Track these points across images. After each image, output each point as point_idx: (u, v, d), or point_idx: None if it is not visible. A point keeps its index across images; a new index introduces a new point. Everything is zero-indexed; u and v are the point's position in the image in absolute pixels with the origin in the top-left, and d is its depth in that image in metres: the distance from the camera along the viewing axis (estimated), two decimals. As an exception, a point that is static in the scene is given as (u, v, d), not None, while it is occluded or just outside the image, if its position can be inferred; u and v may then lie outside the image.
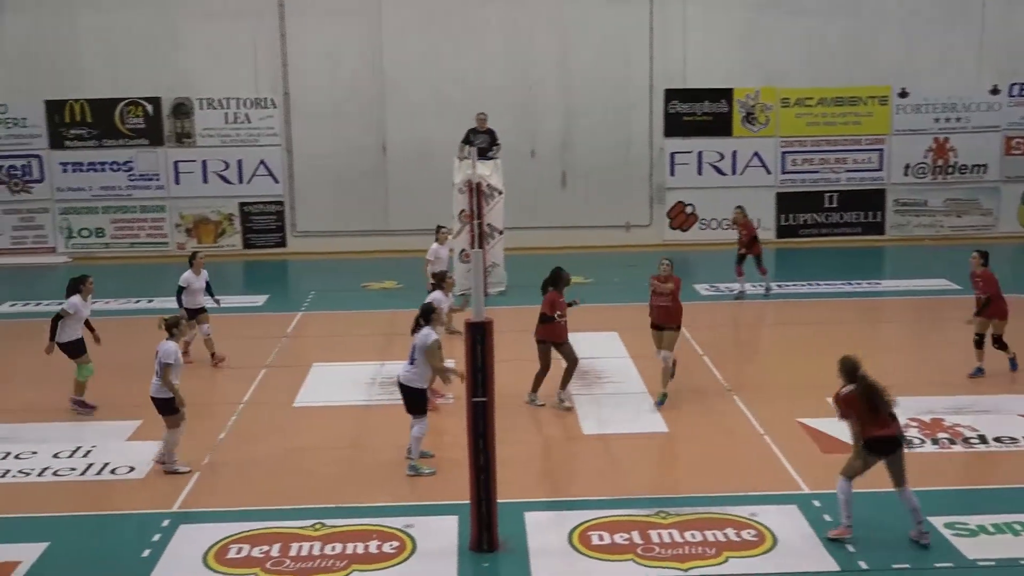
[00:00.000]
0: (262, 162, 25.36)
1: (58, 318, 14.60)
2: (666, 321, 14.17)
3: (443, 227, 18.67)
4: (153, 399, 12.28)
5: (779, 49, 25.45)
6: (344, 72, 25.03)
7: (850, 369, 10.48)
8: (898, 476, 10.31)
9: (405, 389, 12.09)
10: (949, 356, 16.19)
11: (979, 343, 15.22)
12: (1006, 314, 15.19)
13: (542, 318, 14.02)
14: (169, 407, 12.18)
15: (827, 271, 22.64)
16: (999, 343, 15.27)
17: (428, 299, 13.84)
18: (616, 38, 25.24)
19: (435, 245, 17.97)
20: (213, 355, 16.52)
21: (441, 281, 15.14)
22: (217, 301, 17.03)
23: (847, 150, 26.02)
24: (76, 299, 14.70)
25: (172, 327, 12.52)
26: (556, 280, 14.09)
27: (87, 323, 14.91)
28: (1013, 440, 12.85)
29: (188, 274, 16.57)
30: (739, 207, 20.93)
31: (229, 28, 24.81)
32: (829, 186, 26.07)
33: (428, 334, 12.01)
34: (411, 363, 12.06)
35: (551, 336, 14.00)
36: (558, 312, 13.91)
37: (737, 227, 20.68)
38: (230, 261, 25.08)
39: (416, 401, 12.07)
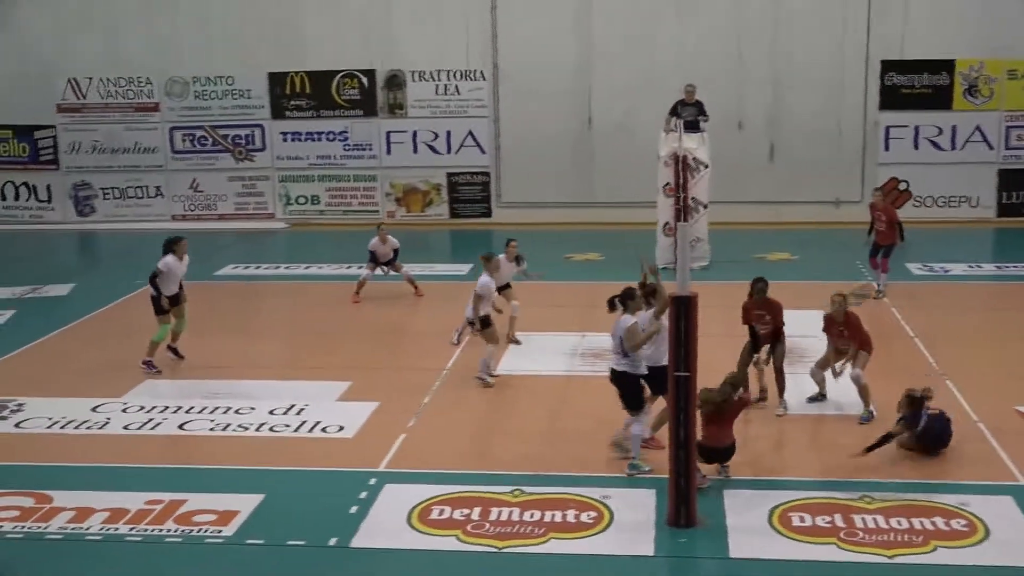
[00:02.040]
0: (470, 133, 25.78)
1: (154, 276, 15.09)
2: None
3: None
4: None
5: (1007, 18, 24.10)
6: (552, 44, 25.08)
7: None
8: None
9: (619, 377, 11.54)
10: None
11: None
12: None
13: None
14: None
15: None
16: None
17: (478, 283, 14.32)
18: (832, 7, 24.44)
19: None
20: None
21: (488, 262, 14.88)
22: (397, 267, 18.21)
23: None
24: (170, 258, 15.18)
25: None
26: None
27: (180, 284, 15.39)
28: None
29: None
30: (877, 190, 19.84)
31: (441, 1, 25.25)
32: (1054, 163, 24.63)
33: (626, 319, 11.45)
34: (623, 354, 11.48)
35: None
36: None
37: (875, 212, 18.53)
38: (437, 230, 25.66)
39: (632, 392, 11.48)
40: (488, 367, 14.52)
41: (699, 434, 10.64)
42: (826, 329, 13.25)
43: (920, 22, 24.30)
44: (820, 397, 13.51)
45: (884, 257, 18.25)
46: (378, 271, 18.74)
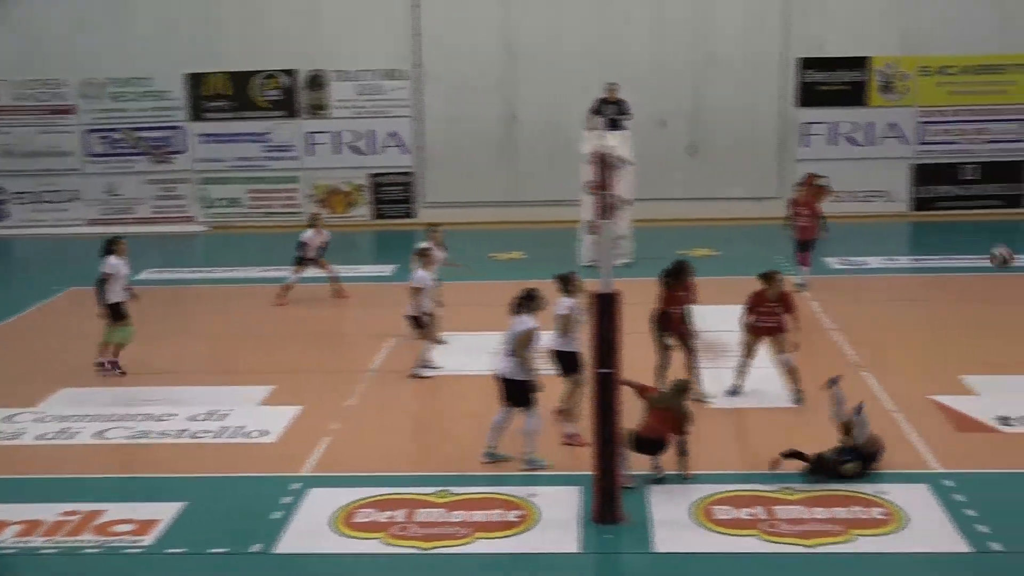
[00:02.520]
0: (393, 133, 25.66)
1: (101, 282, 14.84)
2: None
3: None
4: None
5: (920, 16, 24.61)
6: (475, 43, 25.09)
7: None
8: None
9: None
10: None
11: None
12: None
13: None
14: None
15: (965, 245, 21.89)
16: None
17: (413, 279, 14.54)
18: (752, 5, 24.76)
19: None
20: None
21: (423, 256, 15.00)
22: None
23: (989, 120, 25.07)
24: (114, 259, 14.92)
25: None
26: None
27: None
28: None
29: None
30: (798, 185, 19.90)
31: (363, 0, 25.12)
32: (969, 157, 25.16)
33: (527, 321, 11.43)
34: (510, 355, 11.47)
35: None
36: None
37: (796, 207, 18.72)
38: (360, 231, 25.51)
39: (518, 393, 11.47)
40: (426, 360, 14.51)
41: (635, 424, 10.84)
42: (753, 307, 13.37)
43: (837, 20, 24.72)
44: (737, 389, 13.67)
45: (805, 251, 18.48)
46: (306, 272, 18.50)
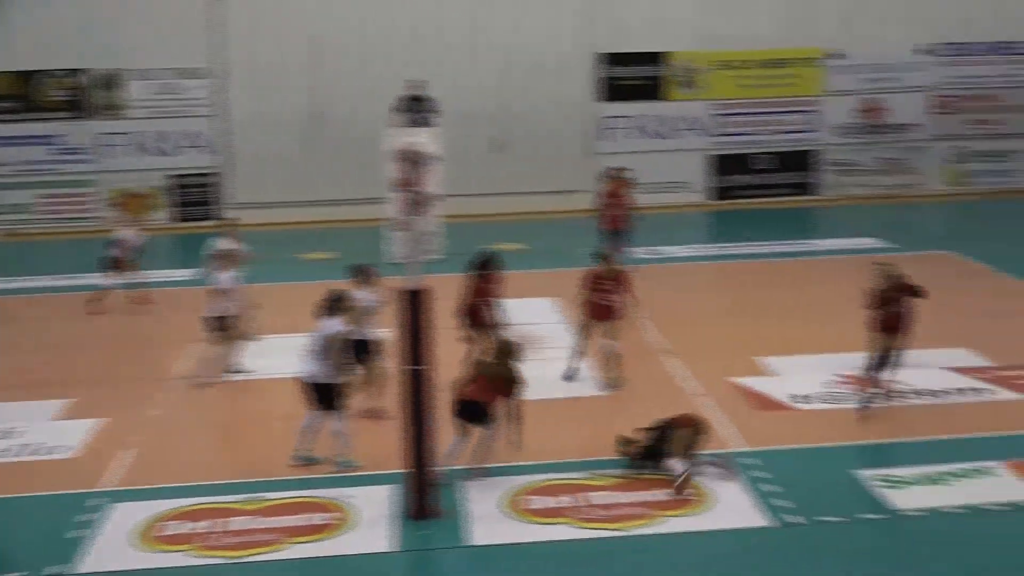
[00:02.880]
0: (193, 133, 24.96)
1: None
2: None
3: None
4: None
5: (714, 12, 25.49)
6: (279, 37, 24.66)
7: None
8: None
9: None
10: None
11: None
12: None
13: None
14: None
15: (760, 232, 22.82)
16: None
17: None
18: (552, 2, 25.11)
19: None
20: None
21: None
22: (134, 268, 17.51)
23: (780, 112, 26.17)
24: None
25: None
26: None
27: None
28: (938, 393, 13.07)
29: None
30: (606, 177, 19.73)
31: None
32: (762, 148, 26.23)
33: (337, 325, 11.36)
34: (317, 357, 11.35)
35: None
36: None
37: (603, 199, 18.95)
38: (161, 235, 24.69)
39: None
40: (232, 365, 14.27)
41: (461, 392, 10.93)
42: (588, 285, 13.64)
43: (635, 18, 25.34)
44: (574, 372, 13.93)
45: (615, 242, 18.71)
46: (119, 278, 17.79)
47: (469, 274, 13.73)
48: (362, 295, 12.50)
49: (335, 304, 11.52)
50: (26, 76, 24.44)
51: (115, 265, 17.76)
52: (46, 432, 12.73)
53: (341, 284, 12.35)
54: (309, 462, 11.52)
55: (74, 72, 24.53)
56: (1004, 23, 26.13)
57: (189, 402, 13.81)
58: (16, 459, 12.07)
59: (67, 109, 24.63)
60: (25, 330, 17.36)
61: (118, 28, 24.36)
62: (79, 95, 24.59)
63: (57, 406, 13.53)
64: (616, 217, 18.85)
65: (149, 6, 24.37)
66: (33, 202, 24.80)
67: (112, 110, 24.74)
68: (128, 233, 17.99)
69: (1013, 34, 26.22)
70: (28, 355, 16.04)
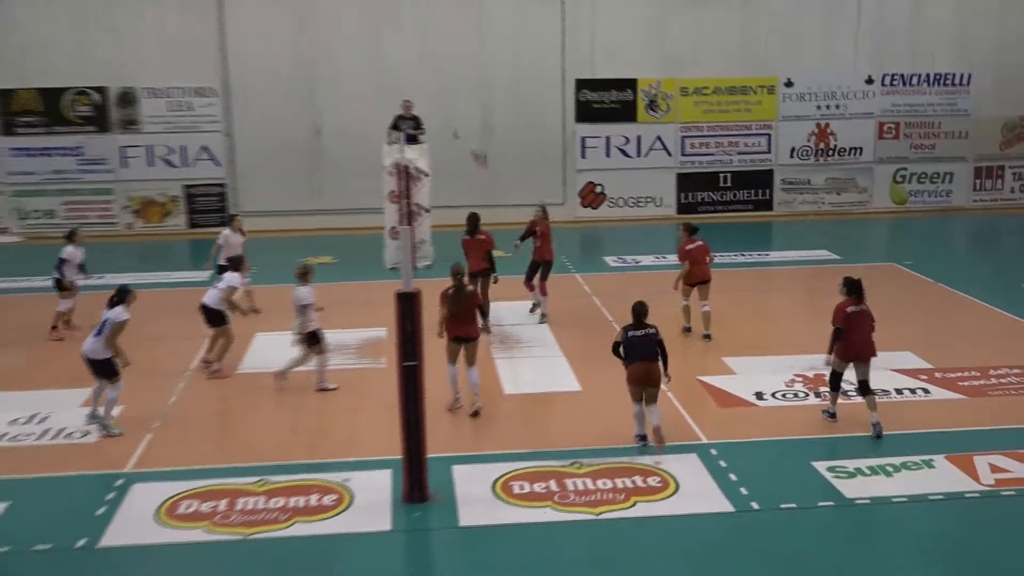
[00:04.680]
0: (204, 147, 24.91)
1: None
2: None
3: (236, 215, 18.47)
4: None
5: (678, 43, 25.65)
6: (279, 61, 24.64)
7: None
8: None
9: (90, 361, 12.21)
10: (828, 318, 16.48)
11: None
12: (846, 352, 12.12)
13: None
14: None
15: (723, 244, 22.88)
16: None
17: (224, 282, 14.42)
18: (531, 32, 25.19)
19: (227, 231, 17.34)
20: (68, 325, 16.37)
21: (238, 265, 14.98)
22: (87, 276, 16.86)
23: (739, 134, 26.32)
24: None
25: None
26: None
27: None
28: (884, 392, 13.17)
29: (71, 248, 16.32)
30: (542, 207, 17.58)
31: (171, 19, 24.24)
32: (723, 167, 26.38)
33: (120, 312, 12.21)
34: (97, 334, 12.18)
35: None
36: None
37: (536, 227, 16.88)
38: (176, 240, 24.64)
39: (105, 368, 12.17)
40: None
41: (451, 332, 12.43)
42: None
43: (605, 46, 25.44)
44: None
45: (543, 279, 16.84)
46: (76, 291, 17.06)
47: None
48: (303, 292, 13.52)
49: (123, 295, 12.44)
50: (54, 93, 24.29)
51: (60, 287, 16.43)
52: (71, 418, 12.69)
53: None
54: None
55: (97, 90, 24.40)
56: (941, 57, 26.36)
57: (201, 392, 13.78)
58: (49, 442, 12.06)
59: (90, 123, 24.50)
60: (47, 324, 17.24)
61: (136, 51, 24.25)
62: (99, 111, 24.47)
63: (83, 395, 13.47)
64: (544, 248, 17.08)
65: (164, 31, 24.24)
66: (59, 208, 24.68)
67: (130, 125, 24.64)
68: (71, 250, 16.49)
69: (947, 67, 26.43)
70: (51, 349, 15.96)
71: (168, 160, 24.83)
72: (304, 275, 13.62)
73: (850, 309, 11.95)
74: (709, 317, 15.60)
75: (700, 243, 15.76)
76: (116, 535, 9.74)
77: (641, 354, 11.34)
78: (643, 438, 11.54)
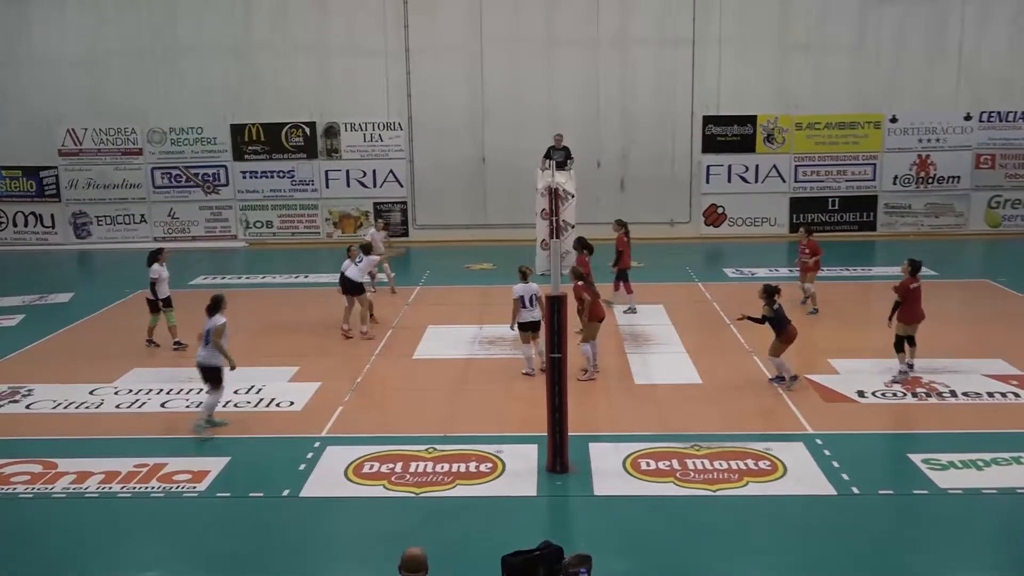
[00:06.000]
0: (391, 171, 25.57)
1: (152, 284, 14.94)
2: None
3: (380, 219, 19.33)
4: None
5: (794, 84, 24.83)
6: (454, 100, 24.99)
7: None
8: None
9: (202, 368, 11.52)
10: (926, 327, 15.67)
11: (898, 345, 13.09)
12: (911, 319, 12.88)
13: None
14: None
15: (829, 259, 22.02)
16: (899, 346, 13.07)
17: (363, 262, 15.63)
18: (664, 74, 24.85)
19: (372, 230, 18.75)
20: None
21: (369, 250, 16.24)
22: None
23: (847, 164, 25.29)
24: (156, 266, 14.91)
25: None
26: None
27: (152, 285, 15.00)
28: (977, 395, 12.46)
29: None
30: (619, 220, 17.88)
31: (367, 66, 24.91)
32: (832, 192, 25.41)
33: (217, 319, 11.51)
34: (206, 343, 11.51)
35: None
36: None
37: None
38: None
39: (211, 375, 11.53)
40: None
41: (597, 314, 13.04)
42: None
43: (729, 86, 24.87)
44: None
45: (626, 280, 17.32)
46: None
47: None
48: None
49: (218, 304, 11.69)
50: (274, 127, 25.34)
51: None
52: (283, 391, 13.19)
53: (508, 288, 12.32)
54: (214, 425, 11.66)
55: (307, 124, 25.35)
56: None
57: (383, 373, 14.10)
58: (263, 409, 12.54)
59: (301, 151, 25.47)
60: (265, 315, 17.94)
61: (339, 93, 25.03)
62: (308, 141, 25.40)
63: (290, 372, 14.02)
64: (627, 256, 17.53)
65: (357, 76, 24.89)
66: (275, 220, 25.76)
67: (333, 153, 25.48)
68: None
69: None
70: (266, 333, 16.59)
71: (361, 182, 25.57)
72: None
73: (913, 285, 12.55)
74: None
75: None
76: (314, 487, 10.06)
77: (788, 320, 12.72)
78: (782, 379, 12.68)
